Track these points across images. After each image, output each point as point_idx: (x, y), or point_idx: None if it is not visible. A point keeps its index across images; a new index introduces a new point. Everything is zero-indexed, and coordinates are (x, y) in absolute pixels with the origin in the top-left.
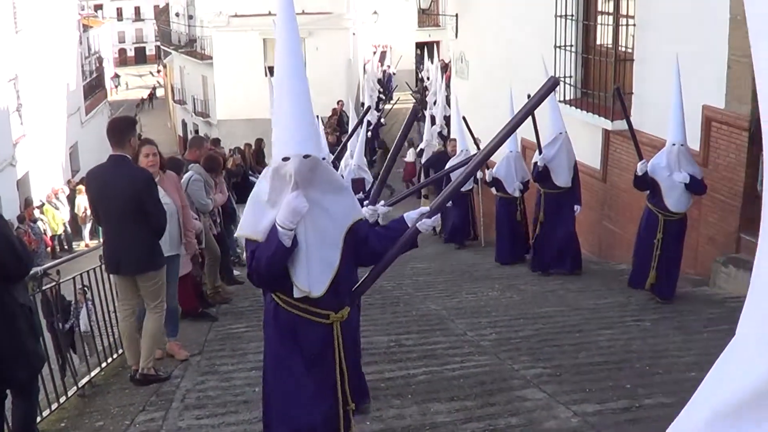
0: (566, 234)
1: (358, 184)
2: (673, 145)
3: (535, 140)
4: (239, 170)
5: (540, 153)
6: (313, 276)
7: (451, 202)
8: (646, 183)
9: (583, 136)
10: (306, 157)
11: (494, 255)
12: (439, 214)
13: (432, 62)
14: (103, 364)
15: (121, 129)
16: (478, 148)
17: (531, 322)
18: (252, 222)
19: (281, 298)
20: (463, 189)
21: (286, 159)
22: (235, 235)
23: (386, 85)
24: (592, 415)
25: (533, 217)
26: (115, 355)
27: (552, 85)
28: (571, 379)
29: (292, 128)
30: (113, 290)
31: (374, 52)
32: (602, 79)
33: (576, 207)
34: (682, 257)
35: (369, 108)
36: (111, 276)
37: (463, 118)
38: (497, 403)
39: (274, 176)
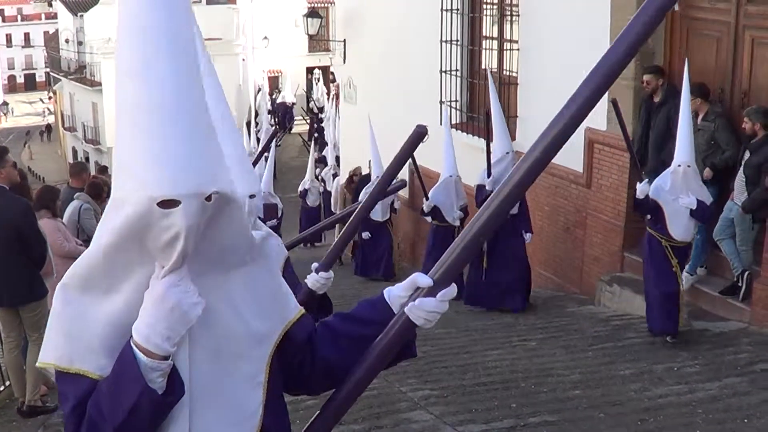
0: (516, 267)
1: (270, 211)
2: (679, 166)
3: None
4: None
5: (489, 175)
6: None
7: (369, 233)
8: (647, 207)
9: (469, 159)
10: (209, 199)
11: None
12: (453, 287)
13: (320, 83)
14: None
15: None
16: (423, 187)
17: (420, 343)
18: (68, 338)
19: None
20: (381, 219)
21: (168, 204)
22: (36, 364)
23: (283, 117)
24: None
25: None
26: (2, 387)
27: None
28: (457, 400)
29: (177, 138)
30: None
31: (263, 78)
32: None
33: (526, 235)
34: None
35: (276, 131)
36: None
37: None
38: (384, 426)
39: (122, 238)
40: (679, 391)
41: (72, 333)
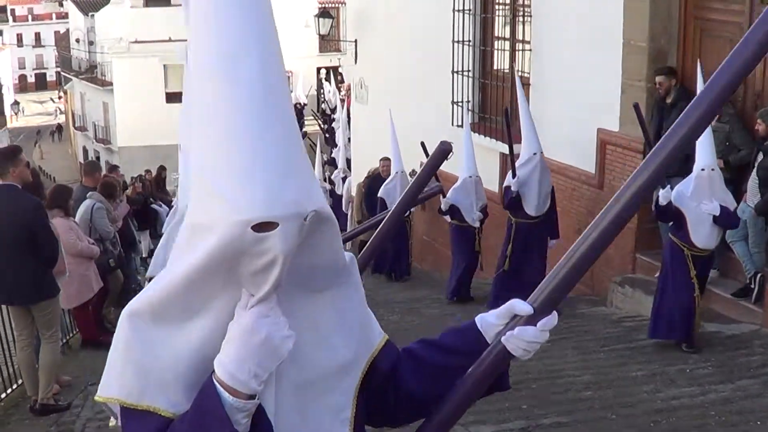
0: (535, 273)
1: None
2: (702, 170)
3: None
4: (139, 198)
5: (514, 176)
6: None
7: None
8: (670, 214)
9: (480, 160)
10: (306, 218)
11: (446, 291)
12: (554, 315)
13: (331, 84)
14: (3, 395)
15: None
16: (437, 180)
17: None
18: (137, 371)
19: None
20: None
21: (263, 227)
22: (95, 397)
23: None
24: None
25: (502, 249)
26: (15, 386)
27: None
28: None
29: (271, 151)
30: (11, 320)
31: None
32: (499, 104)
33: (551, 241)
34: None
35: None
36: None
37: (422, 144)
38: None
39: (208, 267)
40: (692, 393)
41: (142, 365)
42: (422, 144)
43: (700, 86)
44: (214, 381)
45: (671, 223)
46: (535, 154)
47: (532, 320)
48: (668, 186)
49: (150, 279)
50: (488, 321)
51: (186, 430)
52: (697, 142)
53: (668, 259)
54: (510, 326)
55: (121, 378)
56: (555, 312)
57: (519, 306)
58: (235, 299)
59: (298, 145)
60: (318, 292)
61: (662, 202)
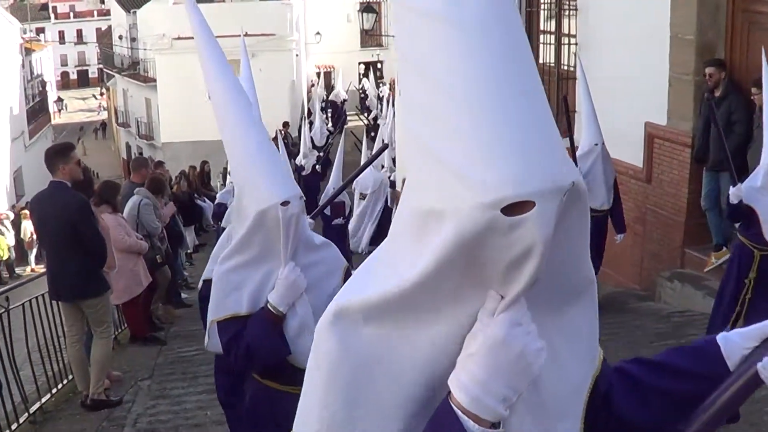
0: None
1: (337, 209)
2: None
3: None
4: (185, 195)
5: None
6: None
7: None
8: (742, 213)
9: None
10: (565, 194)
11: None
12: None
13: (370, 79)
14: (54, 390)
15: (49, 157)
16: None
17: None
18: (348, 396)
19: None
20: None
21: (516, 209)
22: None
23: (337, 116)
24: None
25: None
26: (65, 381)
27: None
28: None
29: (521, 115)
30: (61, 315)
31: (318, 74)
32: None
33: (617, 236)
34: None
35: (335, 131)
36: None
37: None
38: None
39: (441, 265)
40: None
41: (353, 388)
42: None
43: (766, 74)
44: (453, 406)
45: (739, 224)
46: (596, 144)
47: None
48: (739, 184)
49: (206, 281)
50: (733, 342)
51: None
52: (765, 132)
53: (735, 260)
54: (762, 350)
55: (322, 407)
56: None
57: None
58: (474, 302)
59: (545, 102)
60: (566, 304)
61: (733, 200)
